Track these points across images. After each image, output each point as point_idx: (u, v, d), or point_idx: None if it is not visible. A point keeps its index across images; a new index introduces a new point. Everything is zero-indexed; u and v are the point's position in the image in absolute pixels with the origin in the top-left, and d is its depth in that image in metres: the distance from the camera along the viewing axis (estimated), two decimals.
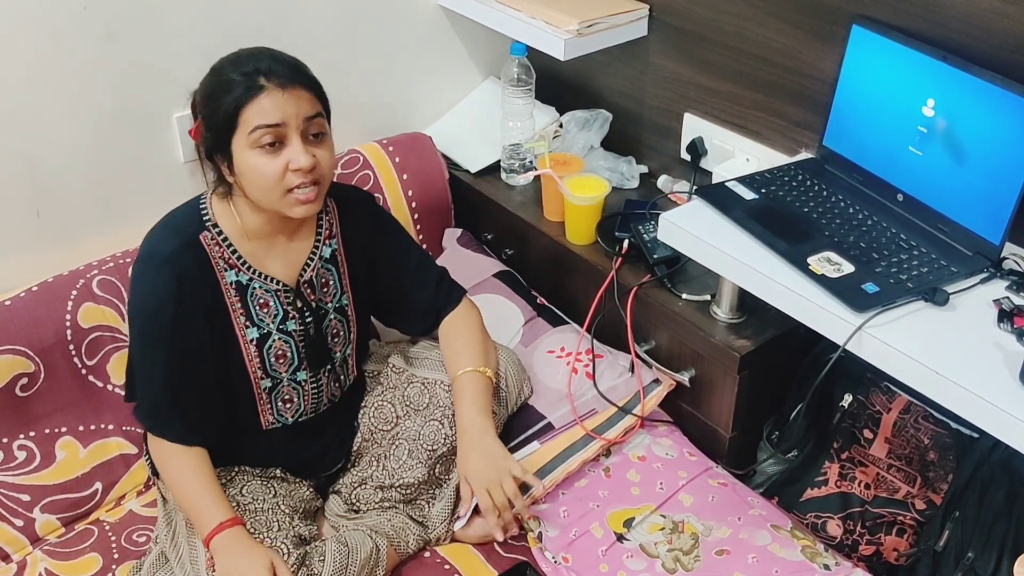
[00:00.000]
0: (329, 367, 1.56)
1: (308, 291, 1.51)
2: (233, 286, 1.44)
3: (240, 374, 1.48)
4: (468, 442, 1.51)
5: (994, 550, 1.43)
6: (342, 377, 1.60)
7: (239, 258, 1.44)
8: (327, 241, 1.54)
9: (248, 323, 1.46)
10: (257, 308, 1.47)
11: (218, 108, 1.34)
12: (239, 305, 1.45)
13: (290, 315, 1.49)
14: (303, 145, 1.35)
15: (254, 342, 1.47)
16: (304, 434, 1.58)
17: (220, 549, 1.37)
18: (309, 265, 1.51)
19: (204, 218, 1.43)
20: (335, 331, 1.56)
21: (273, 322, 1.48)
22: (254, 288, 1.46)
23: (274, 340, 1.48)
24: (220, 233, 1.43)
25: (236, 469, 1.54)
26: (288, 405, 1.54)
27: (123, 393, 1.66)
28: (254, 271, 1.46)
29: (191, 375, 1.42)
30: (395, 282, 1.62)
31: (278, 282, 1.48)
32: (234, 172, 1.38)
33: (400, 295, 1.64)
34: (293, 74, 1.35)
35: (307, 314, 1.51)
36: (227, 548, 1.37)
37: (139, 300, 1.42)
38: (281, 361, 1.50)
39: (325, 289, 1.54)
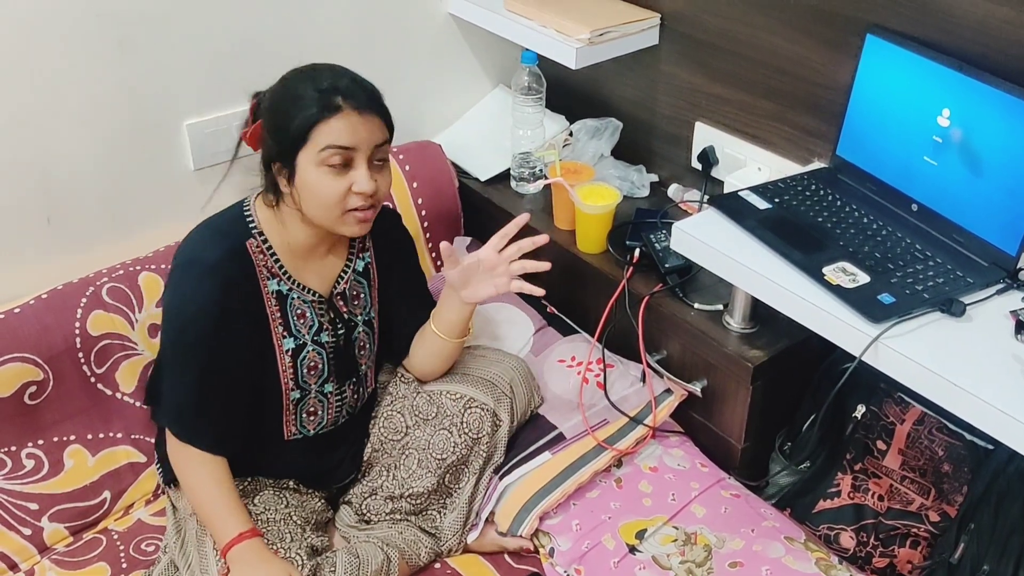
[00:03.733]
0: (354, 379, 1.56)
1: (341, 303, 1.51)
2: (274, 295, 1.44)
3: (272, 384, 1.47)
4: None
5: (1010, 563, 1.42)
6: (361, 389, 1.60)
7: (281, 267, 1.44)
8: (360, 255, 1.54)
9: (285, 333, 1.46)
10: (295, 318, 1.46)
11: (289, 120, 1.33)
12: (279, 315, 1.45)
13: (324, 327, 1.49)
14: (368, 171, 1.36)
15: (289, 352, 1.47)
16: (322, 446, 1.57)
17: (237, 560, 1.37)
18: (343, 278, 1.51)
19: (250, 225, 1.43)
20: (362, 344, 1.56)
21: (308, 333, 1.48)
22: (293, 298, 1.46)
23: (308, 351, 1.48)
24: (265, 241, 1.43)
25: (250, 479, 1.53)
26: (312, 417, 1.53)
27: (132, 401, 1.66)
28: (293, 281, 1.46)
29: (222, 384, 1.41)
30: (394, 305, 1.62)
31: (314, 293, 1.48)
32: (293, 184, 1.37)
33: (392, 318, 1.63)
34: (370, 100, 1.36)
35: (339, 326, 1.51)
36: (245, 560, 1.36)
37: (177, 304, 1.40)
38: (312, 372, 1.50)
39: (356, 302, 1.54)
